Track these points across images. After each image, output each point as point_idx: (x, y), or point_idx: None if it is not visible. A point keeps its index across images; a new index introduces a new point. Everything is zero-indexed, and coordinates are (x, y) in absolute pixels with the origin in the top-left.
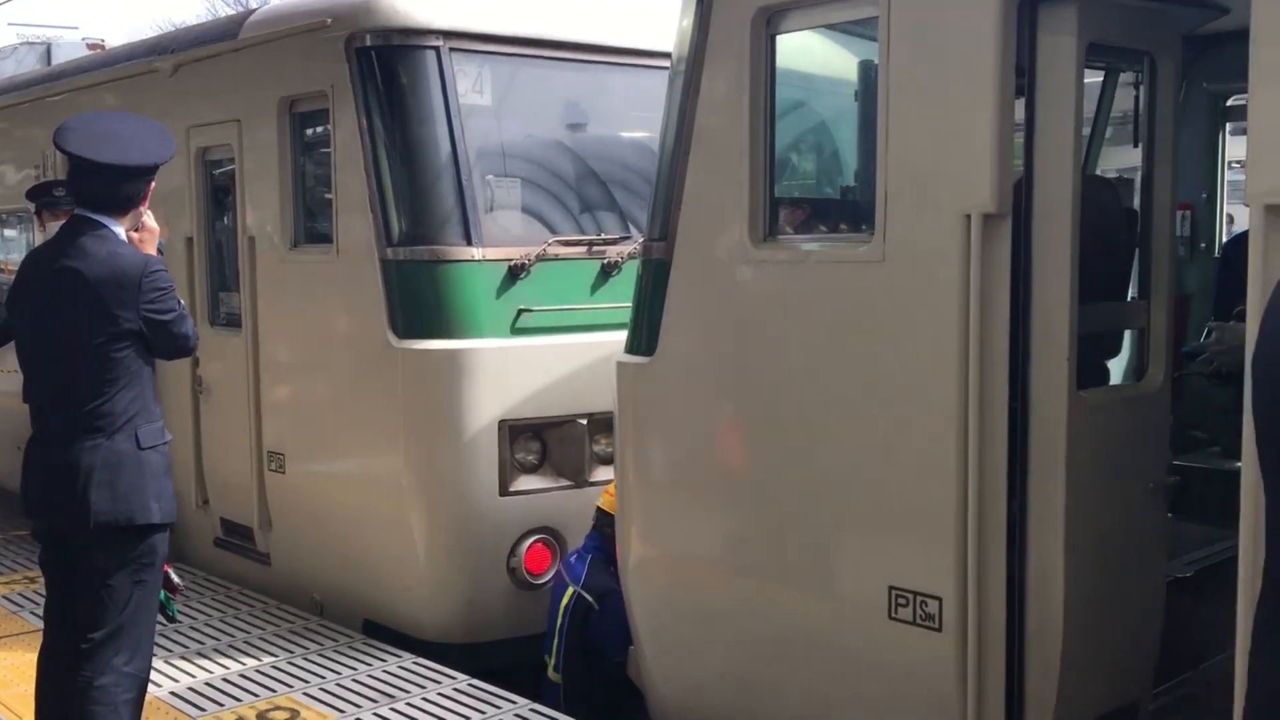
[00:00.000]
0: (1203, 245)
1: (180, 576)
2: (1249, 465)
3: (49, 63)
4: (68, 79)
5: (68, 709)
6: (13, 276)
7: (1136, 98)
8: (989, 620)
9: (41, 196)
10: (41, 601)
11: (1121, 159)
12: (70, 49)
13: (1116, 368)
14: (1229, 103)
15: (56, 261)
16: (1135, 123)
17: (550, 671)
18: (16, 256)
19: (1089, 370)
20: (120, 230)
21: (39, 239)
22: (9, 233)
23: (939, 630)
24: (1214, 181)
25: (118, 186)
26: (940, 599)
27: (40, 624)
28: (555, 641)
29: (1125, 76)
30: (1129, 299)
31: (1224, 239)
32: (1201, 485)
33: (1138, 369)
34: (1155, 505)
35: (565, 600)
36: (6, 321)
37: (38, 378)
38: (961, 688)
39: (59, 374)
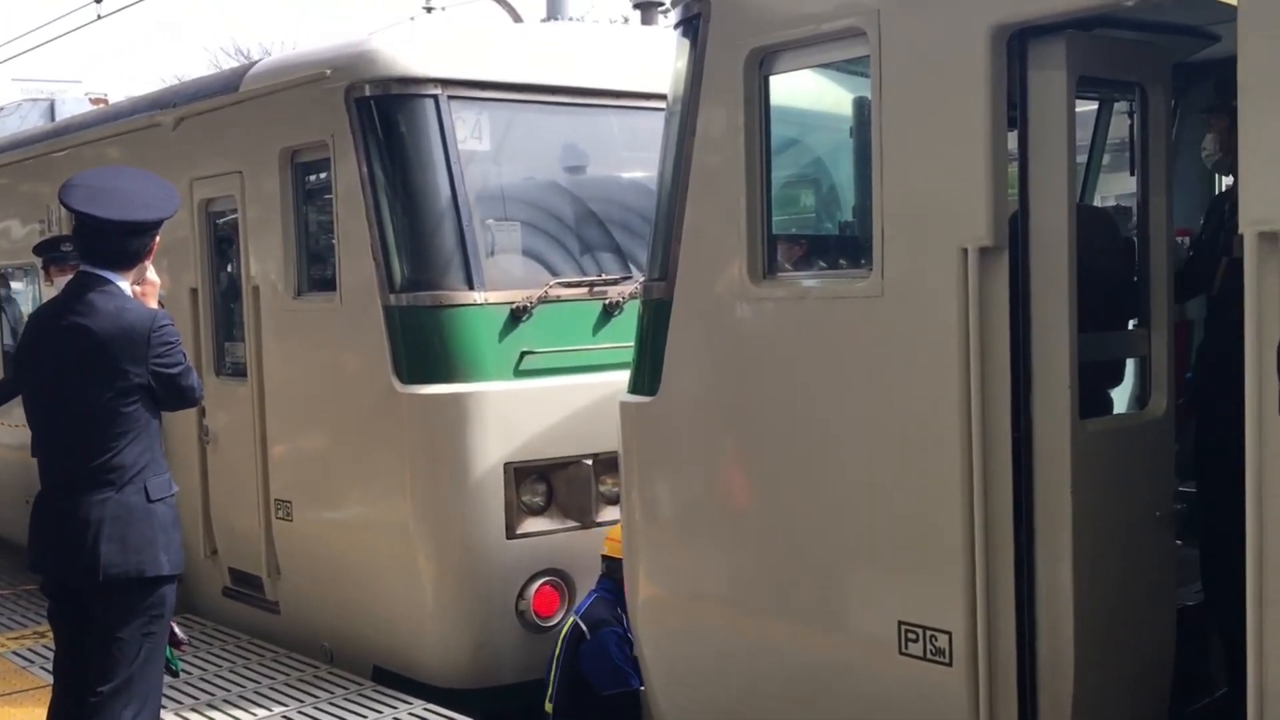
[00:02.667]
0: None
1: (185, 630)
2: (1254, 491)
3: (53, 118)
4: (72, 134)
5: None
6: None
7: (1131, 126)
8: (999, 653)
9: (49, 252)
10: (51, 656)
11: (1120, 186)
12: (74, 104)
13: (1120, 396)
14: None
15: (64, 318)
16: (1131, 151)
17: (546, 703)
18: (23, 311)
19: (1092, 399)
20: (126, 285)
21: (45, 294)
22: (16, 287)
23: (949, 665)
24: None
25: (124, 242)
26: (950, 633)
27: (50, 679)
28: (552, 671)
29: (1119, 105)
30: (1130, 327)
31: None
32: None
33: (1140, 397)
34: (1163, 533)
35: (564, 630)
36: (15, 377)
37: (47, 432)
38: None
39: (69, 428)
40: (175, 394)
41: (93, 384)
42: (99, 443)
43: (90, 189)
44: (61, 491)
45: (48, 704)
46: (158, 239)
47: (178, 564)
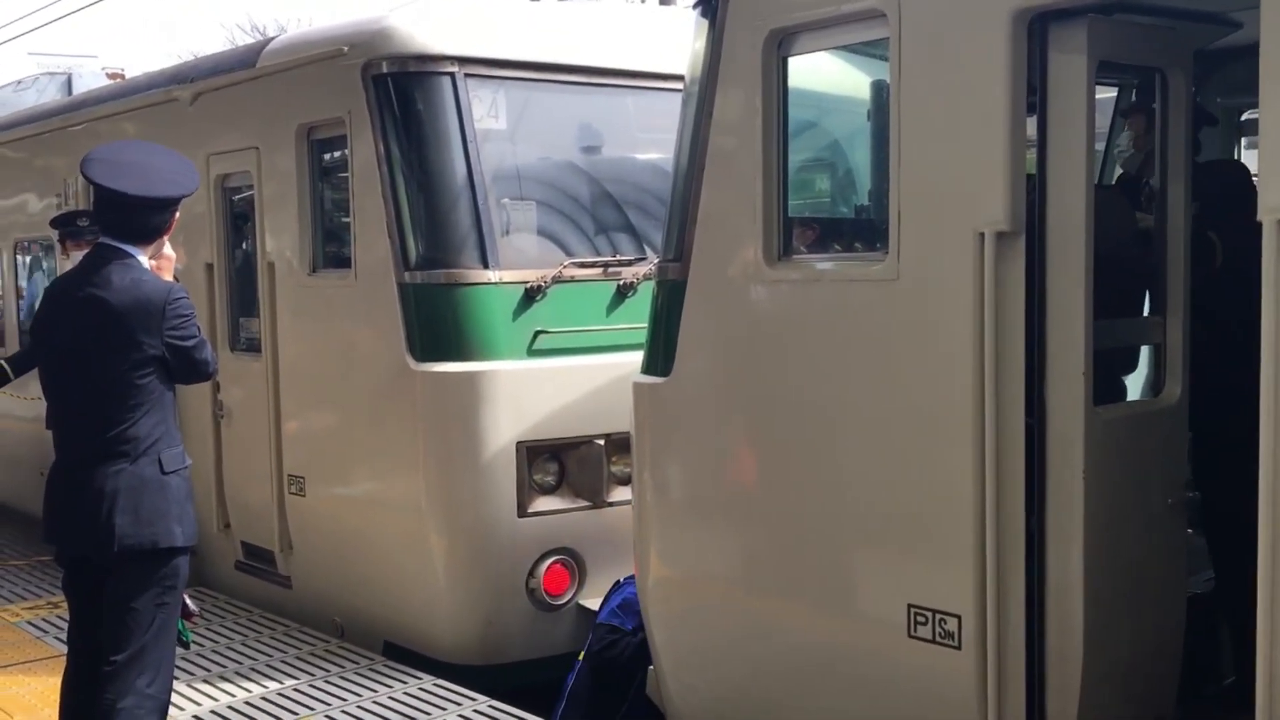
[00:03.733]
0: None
1: (197, 603)
2: (1267, 479)
3: (70, 92)
4: (88, 109)
5: None
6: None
7: (1150, 113)
8: (1009, 637)
9: (65, 226)
10: (65, 627)
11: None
12: (90, 78)
13: (1134, 383)
14: (1244, 117)
15: (81, 289)
16: (1151, 137)
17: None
18: (41, 284)
19: (1106, 386)
20: (145, 259)
21: (62, 267)
22: (34, 260)
23: (958, 648)
24: None
25: (145, 217)
26: (959, 616)
27: (64, 649)
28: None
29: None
30: (1145, 314)
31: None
32: None
33: (1155, 384)
34: (1174, 521)
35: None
36: (32, 349)
37: (62, 404)
38: (982, 705)
39: (84, 400)
40: (189, 366)
41: (108, 356)
42: (114, 414)
43: (112, 163)
44: (76, 463)
45: (61, 673)
46: (177, 214)
47: (191, 536)
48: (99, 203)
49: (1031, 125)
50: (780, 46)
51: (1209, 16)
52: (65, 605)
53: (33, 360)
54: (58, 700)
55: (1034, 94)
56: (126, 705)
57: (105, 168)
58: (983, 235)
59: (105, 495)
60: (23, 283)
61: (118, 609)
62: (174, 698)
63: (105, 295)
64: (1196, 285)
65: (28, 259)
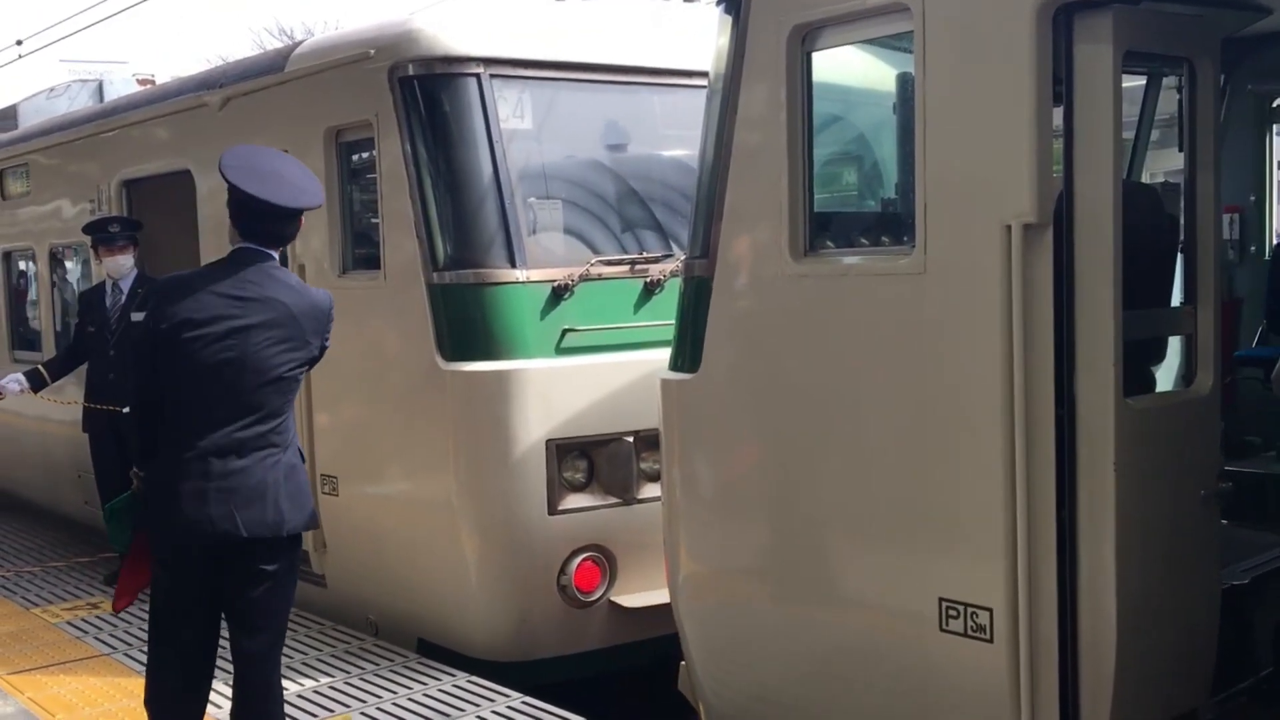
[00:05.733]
0: (1252, 249)
1: None
2: None
3: (101, 99)
4: (120, 115)
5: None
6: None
7: (1180, 102)
8: (1041, 631)
9: (98, 232)
10: (105, 627)
11: (1170, 162)
12: (121, 85)
13: (1167, 375)
14: (1276, 104)
15: (243, 289)
16: (1180, 127)
17: None
18: (73, 289)
19: (1136, 377)
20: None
21: (96, 272)
22: (68, 266)
23: (990, 642)
24: (1263, 184)
25: (287, 225)
26: (991, 610)
27: (103, 649)
28: None
29: (1168, 80)
30: (1176, 304)
31: (1274, 241)
32: (1257, 491)
33: (1186, 375)
34: (1208, 512)
35: None
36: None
37: (206, 397)
38: (1014, 699)
39: (250, 394)
40: (314, 365)
41: (281, 352)
42: (276, 408)
43: (256, 172)
44: (226, 451)
45: (99, 673)
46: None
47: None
48: (244, 209)
49: (1058, 116)
50: (804, 42)
51: (1237, 3)
52: (105, 606)
53: (72, 364)
54: (97, 699)
55: (1060, 85)
56: (276, 679)
57: (249, 176)
58: (1010, 227)
59: (269, 484)
60: (58, 288)
61: (270, 591)
62: (212, 695)
63: (279, 297)
64: None
65: (65, 265)
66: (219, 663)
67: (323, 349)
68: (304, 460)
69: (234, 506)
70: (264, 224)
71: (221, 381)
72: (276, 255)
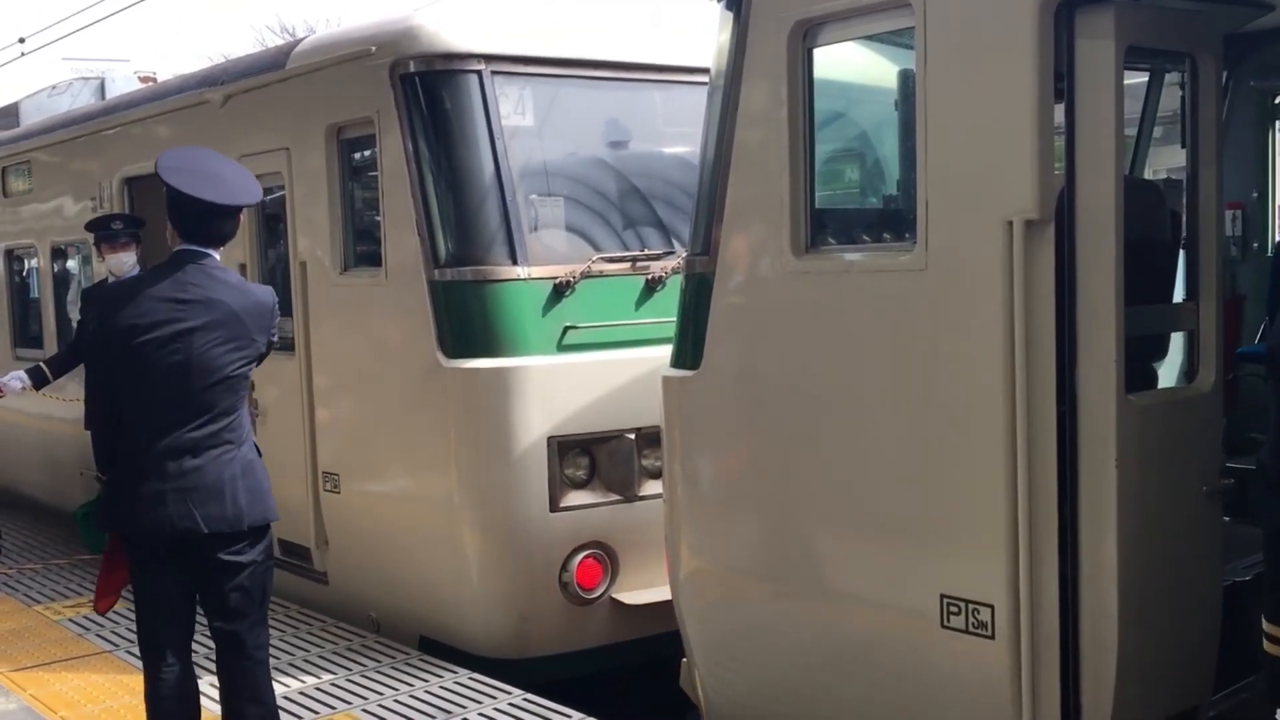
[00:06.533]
0: (1255, 245)
1: None
2: None
3: (103, 96)
4: (122, 112)
5: (243, 690)
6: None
7: (1182, 98)
8: (1042, 627)
9: (100, 229)
10: (107, 624)
11: (1172, 159)
12: (123, 82)
13: (1169, 371)
14: (1278, 100)
15: (185, 290)
16: (1182, 123)
17: None
18: (75, 287)
19: (1138, 374)
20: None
21: (98, 269)
22: (70, 264)
23: (992, 638)
24: (1265, 180)
25: (225, 224)
26: (992, 607)
27: (105, 646)
28: None
29: (1170, 76)
30: (1178, 301)
31: (1277, 238)
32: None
33: (1188, 371)
34: (1209, 508)
35: None
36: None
37: (161, 398)
38: (1015, 695)
39: (199, 393)
40: (265, 361)
41: (227, 351)
42: (227, 405)
43: (192, 172)
44: (183, 451)
45: (101, 670)
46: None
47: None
48: (182, 209)
49: (1060, 112)
50: (805, 38)
51: None
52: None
53: (74, 361)
54: (99, 696)
55: (1062, 81)
56: (263, 657)
57: (188, 177)
58: (1011, 223)
59: (226, 479)
60: (59, 285)
61: (244, 581)
62: (212, 692)
63: (220, 296)
64: None
65: (65, 262)
66: (214, 659)
67: (270, 345)
68: (259, 454)
69: (193, 505)
70: (206, 224)
71: (171, 384)
72: (217, 254)
